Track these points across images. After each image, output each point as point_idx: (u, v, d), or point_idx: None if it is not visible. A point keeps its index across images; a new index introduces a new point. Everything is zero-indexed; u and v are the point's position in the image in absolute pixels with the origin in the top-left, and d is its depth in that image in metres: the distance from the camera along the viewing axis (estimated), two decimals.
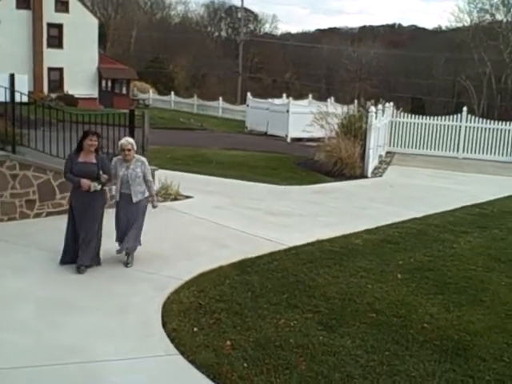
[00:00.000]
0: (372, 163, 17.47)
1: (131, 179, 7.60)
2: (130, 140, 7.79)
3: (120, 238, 7.86)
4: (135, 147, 7.78)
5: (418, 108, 38.47)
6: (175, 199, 11.69)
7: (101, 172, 7.45)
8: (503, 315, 6.84)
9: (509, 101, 34.88)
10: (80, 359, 5.37)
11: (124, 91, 46.22)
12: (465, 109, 22.96)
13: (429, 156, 21.91)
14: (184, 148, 20.61)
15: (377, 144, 18.43)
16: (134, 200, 7.67)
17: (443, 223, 11.12)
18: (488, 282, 7.91)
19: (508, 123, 22.26)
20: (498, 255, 9.17)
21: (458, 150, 22.42)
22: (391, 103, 23.25)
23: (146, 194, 7.84)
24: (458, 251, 9.31)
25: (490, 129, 22.30)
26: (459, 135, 22.43)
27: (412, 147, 22.72)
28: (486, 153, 22.25)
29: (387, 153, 21.79)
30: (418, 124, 22.86)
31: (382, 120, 19.32)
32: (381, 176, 17.23)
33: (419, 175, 17.63)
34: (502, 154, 22.12)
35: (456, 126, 22.50)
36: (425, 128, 22.77)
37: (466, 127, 22.40)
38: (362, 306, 6.87)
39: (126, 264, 7.79)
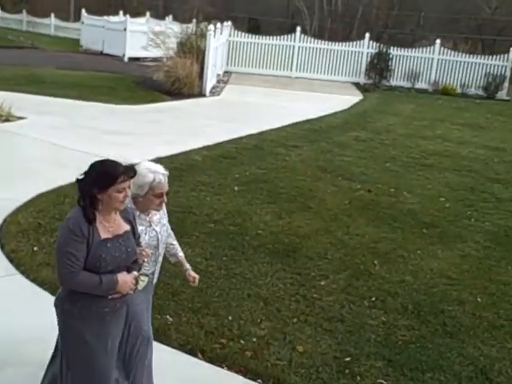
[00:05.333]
0: (210, 82, 17.66)
1: (163, 242, 3.82)
2: (166, 170, 3.67)
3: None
4: None
5: (254, 28, 38.83)
6: (7, 120, 11.11)
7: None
8: (328, 219, 7.57)
9: (338, 23, 36.41)
10: None
11: None
12: (298, 29, 23.68)
13: (265, 75, 22.48)
14: (15, 67, 19.27)
15: (215, 63, 18.58)
16: (155, 281, 3.93)
17: (277, 138, 11.78)
18: (316, 191, 8.64)
19: (337, 44, 23.48)
20: (325, 166, 10.00)
21: (291, 70, 23.26)
22: (229, 22, 23.34)
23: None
24: (289, 164, 9.98)
25: (320, 49, 23.31)
26: (293, 55, 23.21)
27: (249, 66, 23.16)
28: (318, 72, 23.31)
29: (225, 72, 22.06)
30: (254, 44, 23.27)
31: (219, 39, 19.42)
32: (219, 95, 17.54)
33: (255, 94, 18.17)
34: (333, 74, 23.30)
35: (290, 46, 23.23)
36: (261, 47, 23.25)
37: (299, 47, 23.20)
38: (201, 218, 7.23)
39: None
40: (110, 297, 3.19)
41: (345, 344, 4.87)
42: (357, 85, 22.46)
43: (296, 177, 9.21)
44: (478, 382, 4.57)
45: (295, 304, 5.43)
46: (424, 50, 23.40)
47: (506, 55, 22.70)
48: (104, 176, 3.11)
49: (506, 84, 22.44)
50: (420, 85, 22.67)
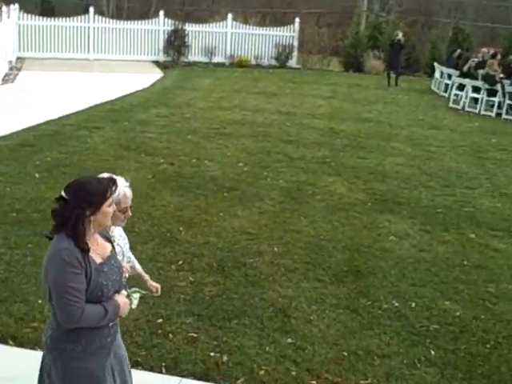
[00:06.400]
0: (1, 69, 16.75)
1: (126, 256, 3.59)
2: (127, 182, 3.44)
3: None
4: None
5: (47, 11, 36.97)
6: None
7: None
8: (133, 195, 7.72)
9: (135, 2, 36.12)
10: None
11: None
12: (91, 9, 23.09)
13: (61, 59, 21.69)
14: None
15: (4, 49, 17.60)
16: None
17: (77, 121, 11.65)
18: (119, 169, 8.66)
19: (133, 23, 23.35)
20: (127, 144, 10.15)
21: (88, 52, 22.71)
22: (16, 5, 22.09)
23: None
24: (92, 145, 9.98)
25: (117, 29, 23.02)
26: (89, 37, 22.65)
27: (43, 51, 22.20)
28: (116, 53, 23.00)
29: (18, 58, 20.97)
30: (46, 26, 22.34)
31: (6, 23, 18.37)
32: (12, 82, 16.71)
33: (52, 78, 17.54)
34: (132, 53, 23.13)
35: (85, 27, 22.62)
36: (54, 30, 22.38)
37: (94, 28, 22.70)
38: (3, 208, 7.05)
39: None
40: (110, 324, 2.92)
41: (156, 308, 5.13)
42: (156, 63, 22.61)
43: (99, 157, 9.25)
44: (277, 320, 5.09)
45: None
46: (218, 24, 24.12)
47: (292, 26, 24.20)
48: (95, 193, 2.77)
49: (295, 53, 23.99)
50: (217, 59, 23.42)
